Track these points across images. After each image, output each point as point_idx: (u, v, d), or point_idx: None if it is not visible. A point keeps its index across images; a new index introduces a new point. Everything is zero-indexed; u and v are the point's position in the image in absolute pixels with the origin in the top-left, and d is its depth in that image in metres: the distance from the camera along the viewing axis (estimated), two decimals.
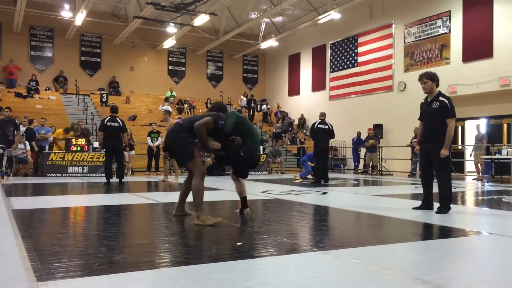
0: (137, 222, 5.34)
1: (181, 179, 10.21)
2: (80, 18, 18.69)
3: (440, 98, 5.58)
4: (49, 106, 19.53)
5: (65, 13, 19.22)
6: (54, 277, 2.62)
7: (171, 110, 10.90)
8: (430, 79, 5.62)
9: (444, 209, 5.54)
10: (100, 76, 23.19)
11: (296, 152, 20.78)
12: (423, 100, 5.88)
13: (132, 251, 3.41)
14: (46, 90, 21.36)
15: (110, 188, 9.38)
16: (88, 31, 22.29)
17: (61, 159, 13.34)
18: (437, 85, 5.69)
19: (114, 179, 10.62)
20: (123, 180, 10.39)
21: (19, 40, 21.35)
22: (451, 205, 5.64)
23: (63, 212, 5.92)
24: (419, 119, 5.92)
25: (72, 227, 4.72)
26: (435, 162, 5.58)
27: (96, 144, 13.82)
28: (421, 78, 5.70)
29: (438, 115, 5.54)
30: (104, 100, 17.16)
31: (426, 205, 5.77)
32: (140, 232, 4.44)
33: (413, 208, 5.81)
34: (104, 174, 11.12)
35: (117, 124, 10.21)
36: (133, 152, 15.28)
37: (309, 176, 12.62)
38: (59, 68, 22.13)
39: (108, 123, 10.15)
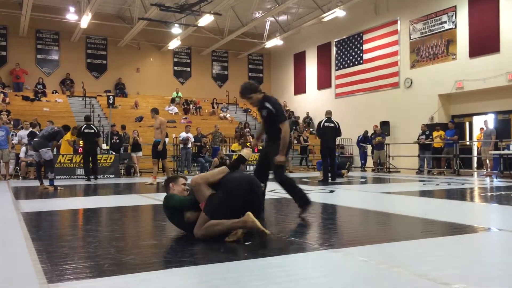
0: (146, 223, 5.37)
1: None
2: (85, 21, 18.77)
3: (266, 104, 5.02)
4: (56, 109, 19.66)
5: (71, 16, 19.33)
6: (64, 279, 2.65)
7: (158, 109, 11.01)
8: (253, 93, 5.03)
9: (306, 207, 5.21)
10: (106, 78, 23.31)
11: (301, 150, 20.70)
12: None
13: (142, 252, 3.43)
14: (53, 93, 21.52)
15: (118, 189, 9.50)
16: (94, 33, 22.40)
17: (69, 161, 13.42)
18: (260, 92, 5.09)
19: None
20: (97, 177, 12.38)
21: (26, 43, 21.51)
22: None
23: (72, 214, 5.96)
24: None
25: (81, 229, 4.75)
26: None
27: (104, 146, 13.89)
28: (244, 96, 5.09)
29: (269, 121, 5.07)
30: (111, 102, 17.17)
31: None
32: (149, 233, 4.46)
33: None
34: (112, 176, 12.68)
35: (92, 131, 12.22)
36: (140, 153, 15.32)
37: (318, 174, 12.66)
38: (65, 71, 22.27)
39: (85, 130, 12.14)
